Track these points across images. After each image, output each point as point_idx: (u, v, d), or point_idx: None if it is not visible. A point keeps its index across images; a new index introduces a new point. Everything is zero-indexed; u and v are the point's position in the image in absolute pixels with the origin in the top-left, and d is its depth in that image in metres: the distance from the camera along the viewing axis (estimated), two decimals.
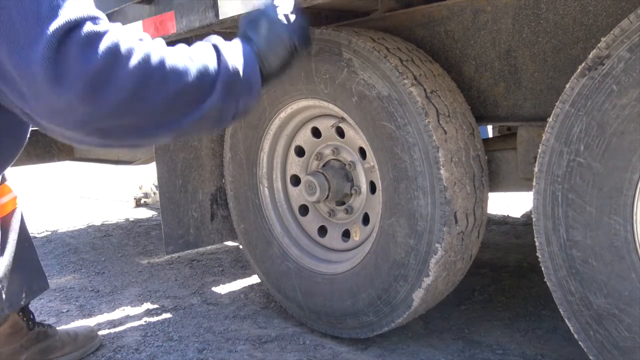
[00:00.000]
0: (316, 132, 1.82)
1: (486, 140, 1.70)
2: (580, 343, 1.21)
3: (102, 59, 0.81)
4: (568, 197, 1.16)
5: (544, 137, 1.19)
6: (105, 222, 3.87)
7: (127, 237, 3.37)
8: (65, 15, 0.80)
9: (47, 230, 3.69)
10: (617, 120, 1.07)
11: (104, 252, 3.05)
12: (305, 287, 1.82)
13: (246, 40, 1.10)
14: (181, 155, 2.05)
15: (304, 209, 1.92)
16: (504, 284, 2.19)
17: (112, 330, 1.95)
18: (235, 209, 2.04)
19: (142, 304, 2.20)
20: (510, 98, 1.47)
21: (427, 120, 1.41)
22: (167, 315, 2.06)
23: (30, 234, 1.66)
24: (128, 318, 2.06)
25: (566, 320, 1.23)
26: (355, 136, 1.69)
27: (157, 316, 2.06)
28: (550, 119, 1.18)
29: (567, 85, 1.14)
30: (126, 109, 0.86)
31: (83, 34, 0.81)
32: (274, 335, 1.83)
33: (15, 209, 1.53)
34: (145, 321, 2.02)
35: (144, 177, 4.63)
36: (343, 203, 1.78)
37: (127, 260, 2.86)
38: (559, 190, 1.17)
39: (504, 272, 2.32)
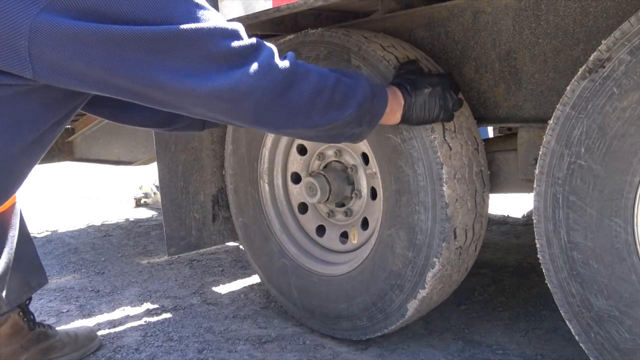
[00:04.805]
0: None
1: (486, 141, 1.70)
2: (581, 344, 1.22)
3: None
4: (569, 199, 1.16)
5: (544, 139, 1.19)
6: (105, 222, 3.87)
7: (127, 237, 3.37)
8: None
9: (47, 230, 3.68)
10: (617, 122, 1.07)
11: (104, 252, 3.05)
12: (302, 286, 1.82)
13: (402, 90, 1.30)
14: (182, 157, 2.05)
15: (303, 207, 1.92)
16: (504, 284, 2.19)
17: (112, 330, 1.95)
18: (235, 203, 2.04)
19: (142, 304, 2.20)
20: (511, 99, 1.46)
21: (432, 136, 1.40)
22: (167, 315, 2.06)
23: (30, 233, 1.65)
24: (128, 318, 2.06)
25: (567, 322, 1.23)
26: None
27: (157, 316, 2.06)
28: (550, 121, 1.18)
29: (568, 88, 1.14)
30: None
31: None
32: (274, 335, 1.83)
33: (14, 203, 1.50)
34: (145, 321, 2.02)
35: (144, 177, 4.64)
36: (343, 205, 1.78)
37: (127, 260, 2.86)
38: (560, 192, 1.17)
39: (504, 272, 2.32)
